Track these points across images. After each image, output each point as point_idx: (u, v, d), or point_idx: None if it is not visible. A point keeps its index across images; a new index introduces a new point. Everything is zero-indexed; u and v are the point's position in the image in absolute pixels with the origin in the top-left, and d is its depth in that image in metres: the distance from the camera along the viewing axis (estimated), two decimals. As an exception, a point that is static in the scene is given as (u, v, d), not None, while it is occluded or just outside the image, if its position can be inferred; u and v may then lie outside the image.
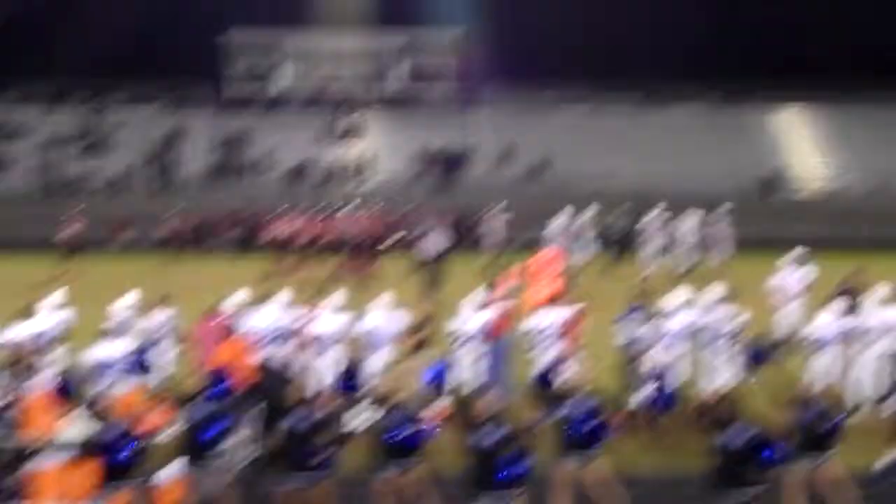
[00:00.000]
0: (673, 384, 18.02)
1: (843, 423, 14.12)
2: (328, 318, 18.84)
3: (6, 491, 12.90)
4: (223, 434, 14.20)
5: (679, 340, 18.83)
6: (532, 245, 33.99)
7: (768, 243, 36.22)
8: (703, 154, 56.30)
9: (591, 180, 52.82)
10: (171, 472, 13.98)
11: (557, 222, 39.34)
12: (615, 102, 61.50)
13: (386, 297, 19.44)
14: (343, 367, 17.94)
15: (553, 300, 20.46)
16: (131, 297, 19.96)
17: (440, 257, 33.29)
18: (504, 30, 58.76)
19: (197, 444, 14.07)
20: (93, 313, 19.91)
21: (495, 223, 45.35)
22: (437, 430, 14.81)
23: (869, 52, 60.32)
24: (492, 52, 59.83)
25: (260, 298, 19.83)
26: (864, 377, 18.67)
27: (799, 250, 23.88)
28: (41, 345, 18.04)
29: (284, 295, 19.62)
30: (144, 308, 19.96)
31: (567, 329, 19.20)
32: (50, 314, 19.47)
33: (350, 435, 14.69)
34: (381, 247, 39.45)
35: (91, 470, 13.23)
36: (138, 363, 17.85)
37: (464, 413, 15.33)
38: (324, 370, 18.21)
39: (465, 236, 46.11)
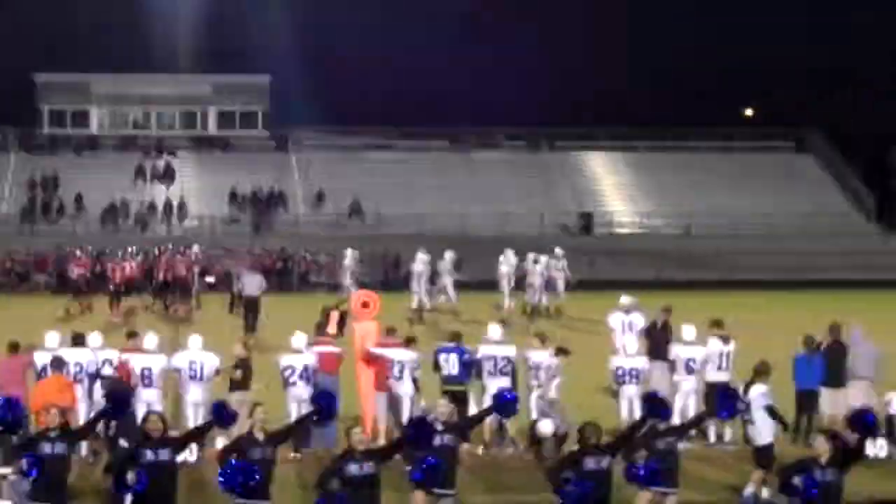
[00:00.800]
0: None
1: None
2: (147, 355, 19.09)
3: None
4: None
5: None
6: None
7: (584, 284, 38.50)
8: (514, 197, 57.98)
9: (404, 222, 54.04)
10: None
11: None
12: (424, 149, 62.68)
13: (199, 337, 19.81)
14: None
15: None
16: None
17: (257, 297, 33.73)
18: (313, 76, 59.58)
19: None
20: None
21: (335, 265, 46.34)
22: None
23: (673, 97, 63.21)
24: (301, 97, 60.58)
25: (74, 338, 19.89)
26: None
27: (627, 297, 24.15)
28: None
29: (95, 335, 19.79)
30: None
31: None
32: None
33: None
34: (194, 287, 39.71)
35: None
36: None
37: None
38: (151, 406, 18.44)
39: (283, 277, 47.12)
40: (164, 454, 12.58)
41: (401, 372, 19.22)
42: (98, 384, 18.77)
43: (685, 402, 19.59)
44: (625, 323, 22.59)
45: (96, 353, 19.41)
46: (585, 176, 62.79)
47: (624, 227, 59.58)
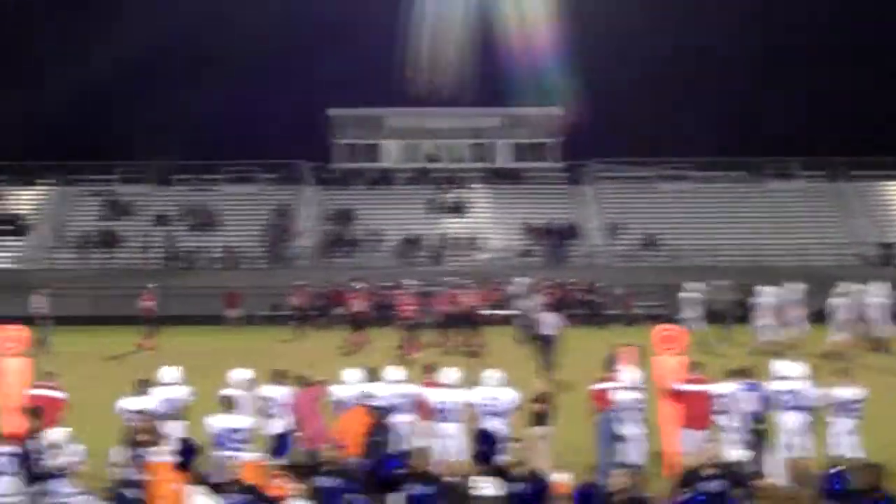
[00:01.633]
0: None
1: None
2: (446, 390, 18.83)
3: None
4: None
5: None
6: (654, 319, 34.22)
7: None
8: (811, 228, 55.98)
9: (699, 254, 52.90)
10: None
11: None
12: (718, 179, 61.14)
13: (497, 371, 19.34)
14: (474, 437, 17.93)
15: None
16: (246, 372, 20.07)
17: (555, 334, 32.62)
18: (604, 107, 59.00)
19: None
20: (204, 388, 20.10)
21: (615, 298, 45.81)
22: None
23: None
24: (592, 128, 60.04)
25: (372, 372, 19.85)
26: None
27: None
28: (161, 418, 18.18)
29: (396, 369, 19.64)
30: (258, 382, 20.05)
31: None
32: (165, 389, 19.64)
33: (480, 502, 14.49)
34: (488, 320, 39.41)
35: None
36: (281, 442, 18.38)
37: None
38: (448, 440, 18.22)
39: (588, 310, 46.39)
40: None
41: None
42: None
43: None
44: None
45: (393, 386, 19.13)
46: (886, 205, 59.67)
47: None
